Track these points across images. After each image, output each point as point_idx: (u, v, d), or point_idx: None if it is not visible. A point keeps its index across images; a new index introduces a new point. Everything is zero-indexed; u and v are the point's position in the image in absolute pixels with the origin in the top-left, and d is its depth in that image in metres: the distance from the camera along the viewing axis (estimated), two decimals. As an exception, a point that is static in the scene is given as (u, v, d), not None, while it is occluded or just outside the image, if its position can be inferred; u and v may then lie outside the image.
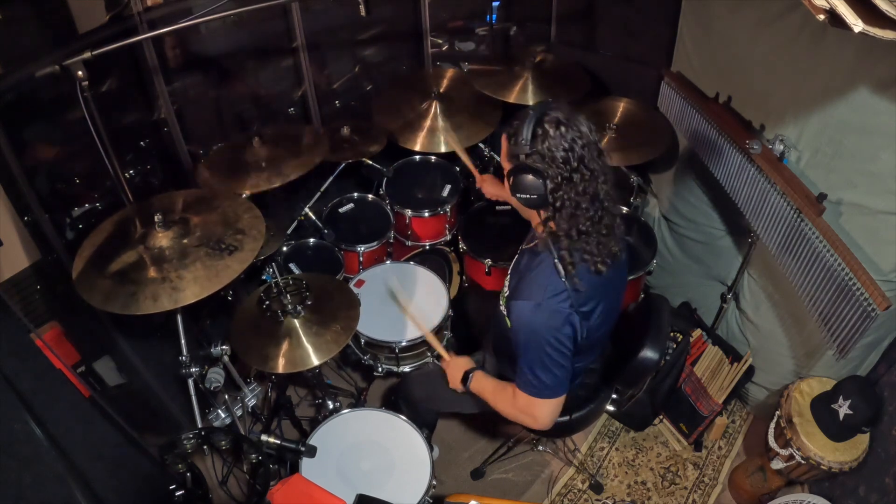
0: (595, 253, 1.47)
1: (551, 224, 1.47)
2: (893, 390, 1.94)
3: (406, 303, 2.30)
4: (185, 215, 1.82)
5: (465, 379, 1.79)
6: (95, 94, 1.61)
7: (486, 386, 1.76)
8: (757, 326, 2.39)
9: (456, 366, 1.85)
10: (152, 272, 1.65)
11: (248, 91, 2.67)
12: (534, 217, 1.54)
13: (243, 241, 1.74)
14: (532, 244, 1.61)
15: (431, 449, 1.92)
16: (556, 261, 1.46)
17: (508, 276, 1.72)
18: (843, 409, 1.90)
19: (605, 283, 1.54)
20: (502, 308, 1.71)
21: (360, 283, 2.43)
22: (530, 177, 1.41)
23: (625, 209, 2.65)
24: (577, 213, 1.43)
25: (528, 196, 1.44)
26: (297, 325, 1.91)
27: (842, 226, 1.81)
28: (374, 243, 2.57)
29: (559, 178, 1.40)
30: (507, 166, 1.50)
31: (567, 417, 1.88)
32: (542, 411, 1.59)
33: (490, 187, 2.17)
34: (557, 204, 1.43)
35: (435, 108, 2.61)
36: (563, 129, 1.38)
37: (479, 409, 1.93)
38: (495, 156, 2.81)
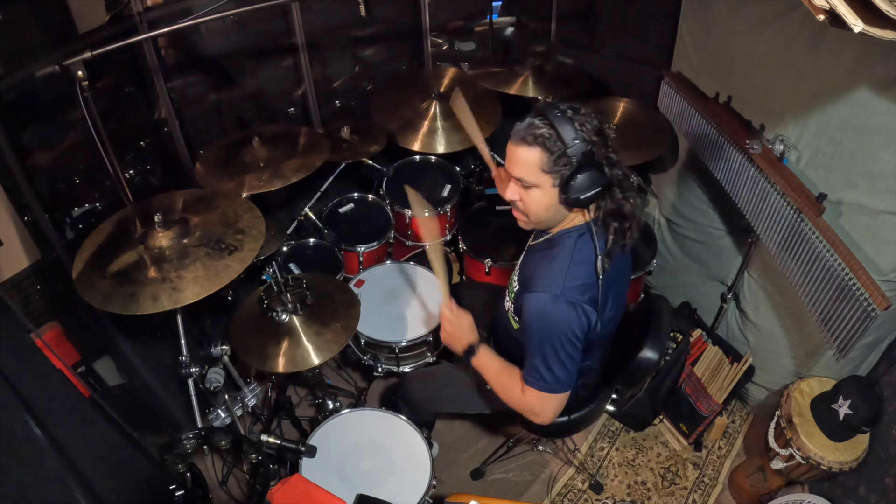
0: (633, 228, 1.47)
1: (607, 205, 1.43)
2: (893, 390, 1.94)
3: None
4: (185, 215, 1.82)
5: (470, 352, 1.67)
6: (95, 94, 1.61)
7: (490, 366, 1.67)
8: (757, 326, 2.39)
9: (460, 325, 1.69)
10: (152, 272, 1.65)
11: (248, 91, 2.67)
12: (568, 214, 1.49)
13: (243, 241, 1.75)
14: (542, 239, 1.59)
15: (431, 446, 1.92)
16: (598, 256, 1.44)
17: (517, 272, 1.68)
18: (843, 409, 1.90)
19: (614, 272, 1.53)
20: (509, 304, 1.70)
21: (360, 283, 2.43)
22: (589, 172, 1.36)
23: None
24: (624, 180, 1.44)
25: (592, 193, 1.38)
26: (297, 323, 1.91)
27: (842, 226, 1.81)
28: (374, 243, 2.57)
29: (606, 155, 1.40)
30: (547, 180, 1.40)
31: (567, 417, 1.88)
32: (550, 407, 1.58)
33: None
34: (619, 178, 1.42)
35: (435, 107, 2.60)
36: (580, 111, 1.38)
37: (480, 410, 1.92)
38: (496, 156, 2.80)
